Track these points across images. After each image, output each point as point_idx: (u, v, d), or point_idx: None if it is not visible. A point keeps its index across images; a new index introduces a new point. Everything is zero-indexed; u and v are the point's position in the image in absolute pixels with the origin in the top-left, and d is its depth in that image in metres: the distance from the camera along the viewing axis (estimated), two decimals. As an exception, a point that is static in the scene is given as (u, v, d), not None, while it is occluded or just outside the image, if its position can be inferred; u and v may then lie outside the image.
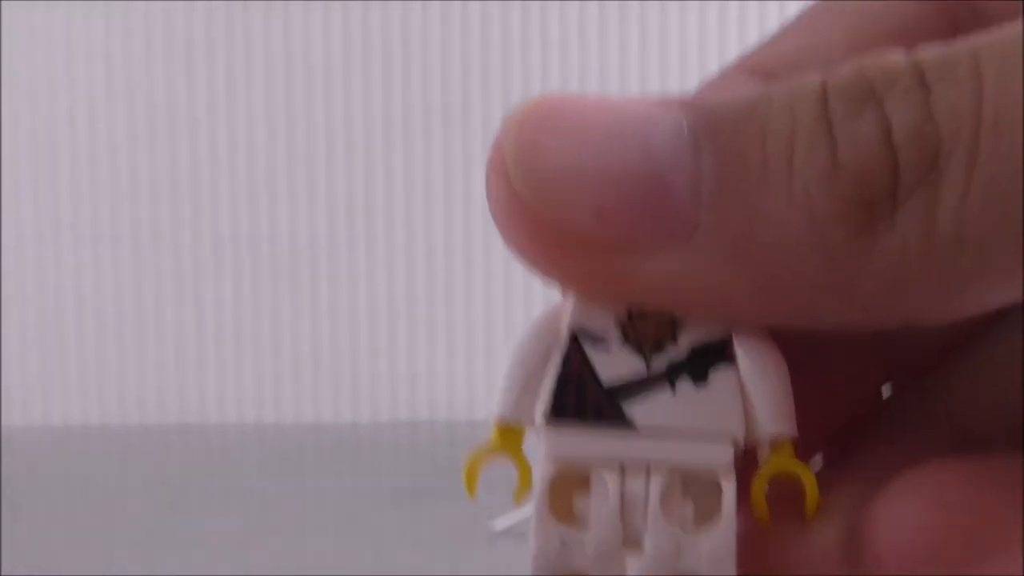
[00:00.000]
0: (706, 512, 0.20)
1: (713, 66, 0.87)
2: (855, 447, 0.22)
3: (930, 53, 0.18)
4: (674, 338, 0.20)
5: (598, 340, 0.20)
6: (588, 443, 0.20)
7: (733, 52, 0.86)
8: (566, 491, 0.20)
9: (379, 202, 0.91)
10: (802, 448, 0.20)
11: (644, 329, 0.20)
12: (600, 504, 0.20)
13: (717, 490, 0.20)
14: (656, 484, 0.20)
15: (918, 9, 0.23)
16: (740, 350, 0.20)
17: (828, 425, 0.22)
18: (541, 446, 0.20)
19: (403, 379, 0.92)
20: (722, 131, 0.18)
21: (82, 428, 0.91)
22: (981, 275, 0.17)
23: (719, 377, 0.19)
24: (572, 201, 0.18)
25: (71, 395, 0.92)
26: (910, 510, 0.19)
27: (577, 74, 0.89)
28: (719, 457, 0.20)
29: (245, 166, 0.91)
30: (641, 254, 0.18)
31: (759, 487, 0.20)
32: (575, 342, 0.20)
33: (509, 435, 0.20)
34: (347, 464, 0.81)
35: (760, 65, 0.22)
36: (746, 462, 0.20)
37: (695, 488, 0.20)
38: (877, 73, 0.17)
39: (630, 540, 0.20)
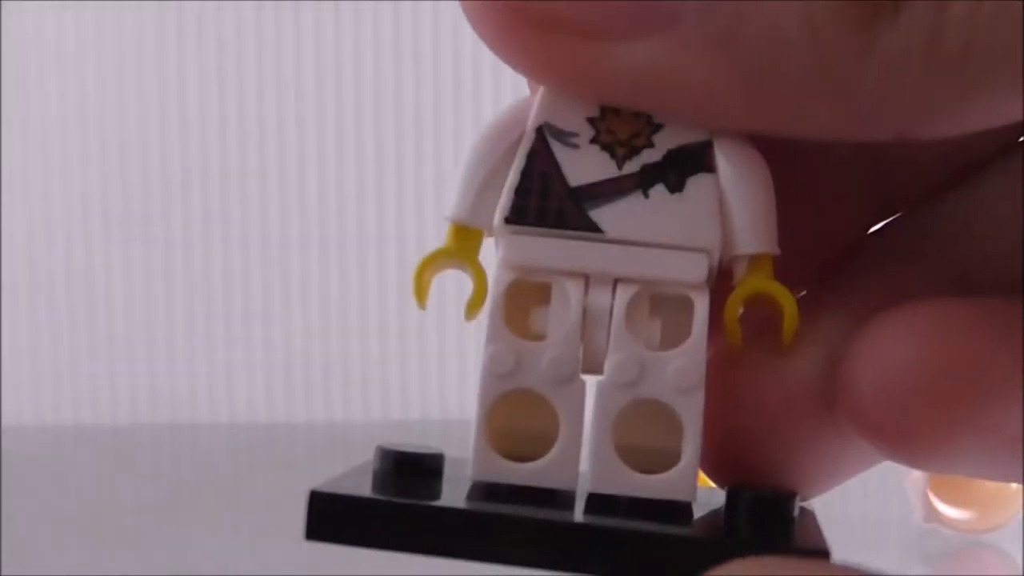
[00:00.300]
0: (675, 333, 0.18)
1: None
2: (841, 277, 0.20)
3: None
4: (650, 140, 0.18)
5: (566, 137, 0.18)
6: (550, 250, 0.18)
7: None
8: (524, 303, 0.18)
9: (372, 202, 0.91)
10: (783, 279, 0.18)
11: (618, 127, 0.18)
12: (560, 316, 0.18)
13: (688, 307, 0.18)
14: (622, 297, 0.18)
15: None
16: (721, 157, 0.18)
17: (812, 258, 0.20)
18: (499, 251, 0.18)
19: (396, 379, 0.92)
20: None
21: (77, 427, 0.90)
22: (987, 87, 0.16)
23: (697, 185, 0.18)
24: None
25: (67, 394, 0.92)
26: (897, 345, 0.17)
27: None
28: (692, 271, 0.18)
29: (243, 166, 0.91)
30: (617, 42, 0.16)
31: (733, 307, 0.18)
32: (541, 138, 0.18)
33: (465, 240, 0.19)
34: (340, 464, 0.81)
35: None
36: (722, 281, 0.18)
37: (664, 306, 0.18)
38: None
39: (590, 362, 0.18)
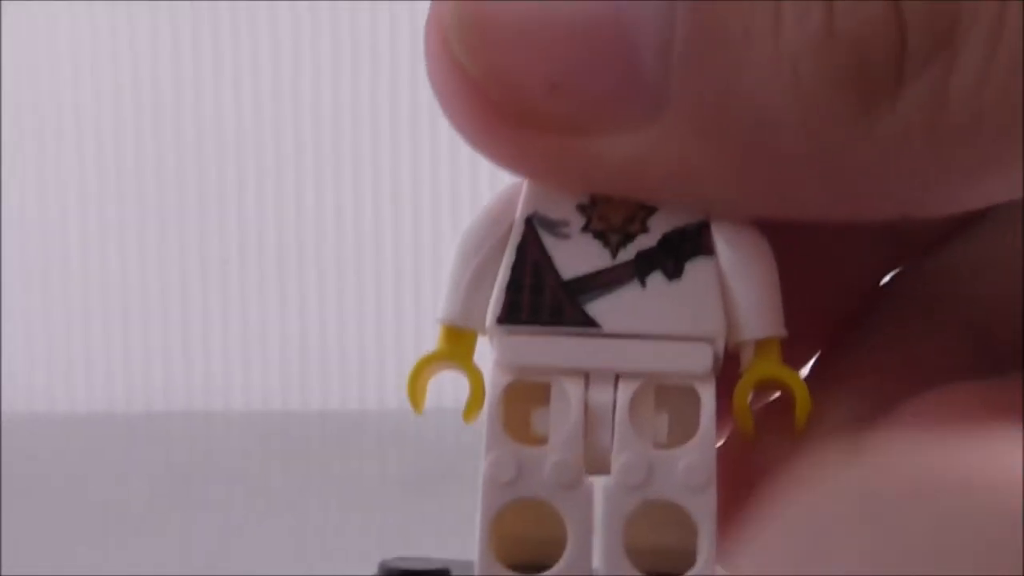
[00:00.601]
0: (683, 426, 0.17)
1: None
2: (852, 344, 0.19)
3: None
4: (644, 224, 0.17)
5: (557, 227, 0.17)
6: (546, 348, 0.17)
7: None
8: (523, 405, 0.18)
9: (387, 192, 0.91)
10: (792, 348, 0.17)
11: (609, 214, 0.17)
12: (560, 418, 0.17)
13: (695, 400, 0.17)
14: (625, 394, 0.17)
15: None
16: (719, 238, 0.17)
17: (822, 321, 0.20)
18: (493, 352, 0.17)
19: (409, 366, 0.91)
20: None
21: (84, 415, 0.90)
22: (995, 163, 0.15)
23: (695, 270, 0.17)
24: (522, 71, 0.15)
25: (73, 382, 0.92)
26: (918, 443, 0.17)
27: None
28: (696, 363, 0.17)
29: (256, 154, 0.91)
30: (602, 134, 0.15)
31: (742, 395, 0.17)
32: (531, 230, 0.17)
33: (458, 341, 0.18)
34: (353, 452, 0.81)
35: None
36: (729, 367, 0.18)
37: (669, 399, 0.17)
38: None
39: (595, 462, 0.17)
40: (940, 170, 0.15)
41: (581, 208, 0.17)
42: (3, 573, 0.56)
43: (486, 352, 0.18)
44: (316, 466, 0.78)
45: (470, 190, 0.89)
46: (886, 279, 0.20)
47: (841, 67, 0.15)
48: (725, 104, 0.15)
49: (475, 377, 0.18)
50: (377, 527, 0.63)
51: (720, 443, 0.18)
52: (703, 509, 0.17)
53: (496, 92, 0.15)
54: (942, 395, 0.17)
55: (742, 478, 0.18)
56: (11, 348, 0.91)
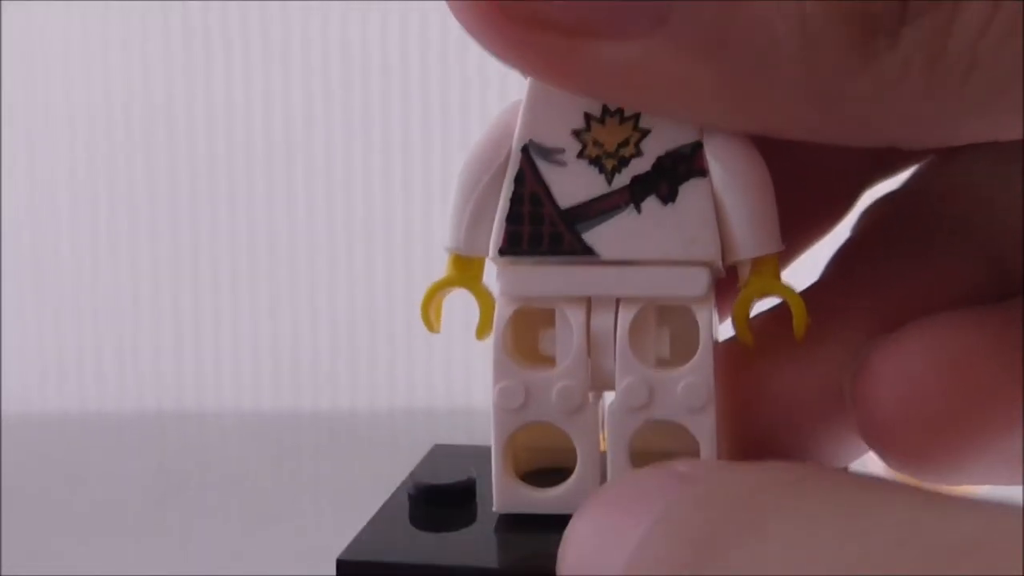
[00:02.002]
0: (685, 340, 0.18)
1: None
2: (859, 262, 0.20)
3: None
4: (638, 148, 0.17)
5: (553, 155, 0.17)
6: (547, 277, 0.18)
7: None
8: (530, 327, 0.18)
9: (380, 192, 0.91)
10: (790, 240, 0.18)
11: (604, 137, 0.17)
12: (564, 343, 0.18)
13: (695, 317, 0.18)
14: (625, 318, 0.18)
15: None
16: (712, 158, 0.17)
17: (811, 223, 0.20)
18: (498, 282, 0.18)
19: (401, 367, 0.91)
20: None
21: (77, 415, 0.90)
22: (986, 109, 0.15)
23: (689, 192, 0.17)
24: None
25: (65, 382, 0.92)
26: (913, 367, 0.17)
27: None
28: (692, 285, 0.17)
29: (250, 154, 0.91)
30: (605, 41, 0.16)
31: (741, 311, 0.18)
32: (527, 159, 0.17)
33: (466, 266, 0.19)
34: (345, 452, 0.81)
35: None
36: (729, 279, 0.18)
37: (671, 315, 0.18)
38: None
39: (600, 383, 0.18)
40: (933, 111, 0.15)
41: (576, 134, 0.17)
42: (2, 574, 0.57)
43: (494, 274, 0.18)
44: (308, 465, 0.78)
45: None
46: (891, 193, 0.21)
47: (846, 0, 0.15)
48: (726, 24, 0.15)
49: (484, 299, 0.19)
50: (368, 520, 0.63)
51: (725, 352, 0.19)
52: (703, 427, 0.18)
53: None
54: (943, 321, 0.18)
55: (743, 387, 0.19)
56: (5, 349, 0.91)
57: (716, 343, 0.18)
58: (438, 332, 0.19)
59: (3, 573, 0.57)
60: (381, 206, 0.91)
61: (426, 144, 0.91)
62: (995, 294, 0.19)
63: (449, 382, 0.90)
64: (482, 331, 0.19)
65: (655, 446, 0.18)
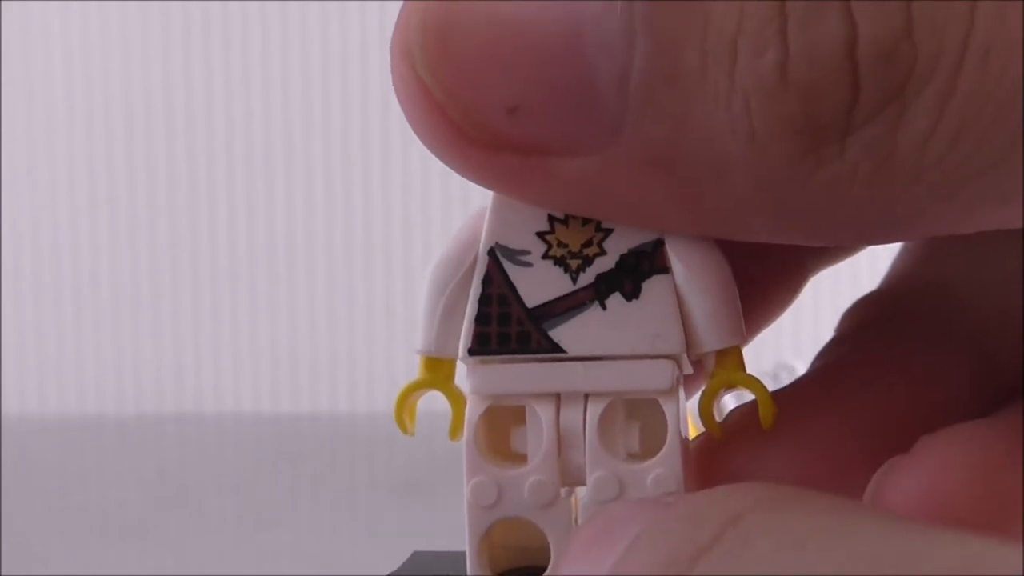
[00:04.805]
0: (654, 432, 0.18)
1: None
2: (844, 357, 0.20)
3: None
4: (601, 247, 0.18)
5: (518, 256, 0.18)
6: (516, 375, 0.18)
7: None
8: (502, 425, 0.19)
9: (377, 194, 0.91)
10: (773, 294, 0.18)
11: (568, 238, 0.18)
12: (535, 440, 0.18)
13: (662, 411, 0.18)
14: (593, 413, 0.18)
15: None
16: (674, 255, 0.18)
17: (761, 310, 0.21)
18: (468, 381, 0.18)
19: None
20: (661, 16, 0.15)
21: (80, 418, 0.90)
22: (937, 214, 0.16)
23: (653, 288, 0.18)
24: (483, 95, 0.16)
25: (64, 385, 0.92)
26: (942, 477, 0.18)
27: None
28: (658, 379, 0.18)
29: (248, 156, 0.91)
30: (560, 156, 0.16)
31: (707, 404, 0.18)
32: (494, 261, 0.18)
33: (437, 368, 0.19)
34: (344, 455, 0.81)
35: None
36: (697, 372, 0.19)
37: (640, 408, 0.18)
38: None
39: (571, 477, 0.18)
40: (882, 214, 0.16)
41: (540, 235, 0.18)
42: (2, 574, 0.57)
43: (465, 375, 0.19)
44: (307, 469, 0.78)
45: (461, 192, 0.90)
46: (872, 293, 0.21)
47: (791, 113, 0.15)
48: (677, 139, 0.15)
49: (455, 399, 0.19)
50: (368, 530, 0.64)
51: (695, 444, 0.19)
52: None
53: (458, 114, 0.16)
54: (960, 435, 0.18)
55: (715, 475, 0.19)
56: (4, 351, 0.91)
57: (685, 436, 0.19)
58: (412, 435, 0.20)
59: (3, 574, 0.57)
60: (381, 209, 0.91)
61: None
62: (986, 389, 0.19)
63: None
64: (455, 431, 0.19)
65: None
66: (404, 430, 0.19)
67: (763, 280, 0.21)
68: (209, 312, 0.92)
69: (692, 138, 0.15)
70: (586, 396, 0.18)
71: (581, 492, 0.18)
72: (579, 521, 0.18)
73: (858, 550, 0.14)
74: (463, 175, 0.17)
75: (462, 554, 0.19)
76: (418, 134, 0.16)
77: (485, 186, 0.17)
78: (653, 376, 0.18)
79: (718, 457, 0.19)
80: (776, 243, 0.17)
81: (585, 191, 0.16)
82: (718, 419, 0.19)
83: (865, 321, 0.21)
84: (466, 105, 0.16)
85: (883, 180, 0.15)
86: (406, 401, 0.19)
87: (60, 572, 0.58)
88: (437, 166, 0.83)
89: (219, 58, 0.90)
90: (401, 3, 0.16)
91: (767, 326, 0.21)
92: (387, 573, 0.20)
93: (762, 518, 0.15)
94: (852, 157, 0.15)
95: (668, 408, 0.18)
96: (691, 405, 0.20)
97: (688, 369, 0.18)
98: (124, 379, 0.92)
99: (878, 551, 0.14)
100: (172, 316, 0.92)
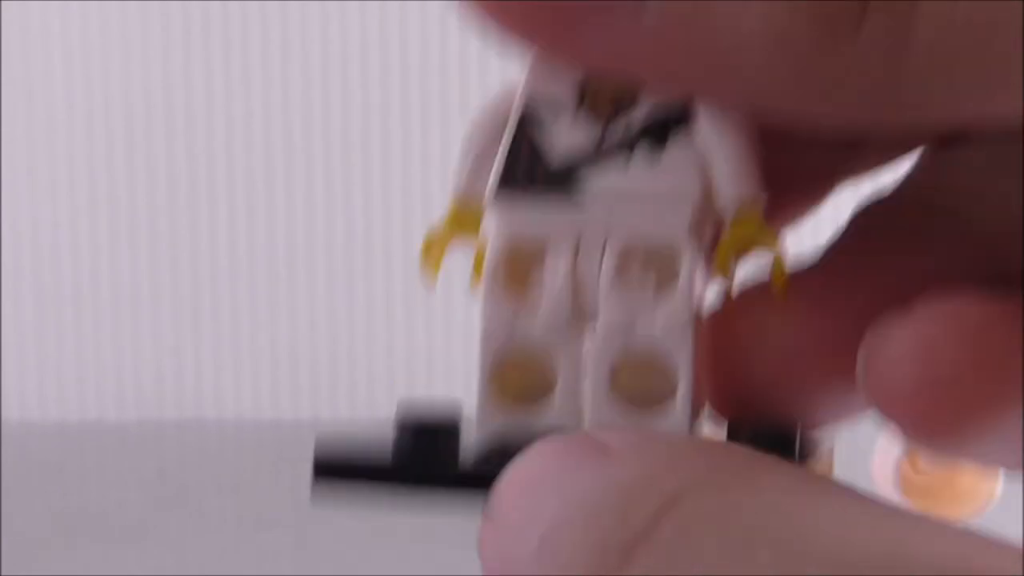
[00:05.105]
0: (669, 284, 0.19)
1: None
2: (856, 248, 0.21)
3: None
4: (633, 103, 0.19)
5: (553, 105, 0.19)
6: (540, 216, 0.19)
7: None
8: (522, 269, 0.19)
9: (377, 195, 0.91)
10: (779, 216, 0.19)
11: (602, 93, 0.19)
12: (552, 279, 0.19)
13: (679, 260, 0.19)
14: (611, 256, 0.19)
15: None
16: (703, 115, 0.19)
17: (786, 211, 0.21)
18: (492, 221, 0.19)
19: (401, 375, 0.92)
20: None
21: (80, 424, 0.90)
22: (949, 105, 0.16)
23: (678, 142, 0.19)
24: None
25: (69, 391, 0.92)
26: (930, 340, 0.18)
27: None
28: (676, 222, 0.19)
29: (248, 160, 0.91)
30: (588, 23, 0.17)
31: (723, 257, 0.19)
32: (529, 109, 0.19)
33: (466, 217, 0.20)
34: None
35: None
36: (718, 236, 0.19)
37: (657, 259, 0.19)
38: None
39: (584, 314, 0.19)
40: (900, 92, 0.16)
41: (575, 86, 0.19)
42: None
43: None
44: (307, 474, 0.78)
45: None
46: (880, 192, 0.21)
47: None
48: (699, 20, 0.16)
49: (479, 246, 0.20)
50: (369, 533, 0.63)
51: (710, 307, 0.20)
52: (681, 348, 0.19)
53: None
54: (959, 295, 0.18)
55: (730, 336, 0.20)
56: (4, 357, 0.91)
57: (700, 294, 0.19)
58: (435, 284, 0.20)
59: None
60: (381, 215, 0.91)
61: (427, 145, 0.91)
62: (994, 285, 0.20)
63: (449, 393, 0.90)
64: (477, 276, 0.20)
65: (634, 387, 0.19)
66: (431, 277, 0.20)
67: (790, 178, 0.21)
68: (209, 317, 0.92)
69: (713, 18, 0.16)
70: (604, 243, 0.19)
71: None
72: (589, 360, 0.19)
73: (812, 551, 0.14)
74: (497, 34, 0.17)
75: (454, 400, 0.20)
76: (479, 10, 0.17)
77: (520, 46, 0.18)
78: (670, 218, 0.19)
79: (728, 320, 0.20)
80: (800, 129, 0.18)
81: (618, 59, 0.17)
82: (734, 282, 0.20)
83: (873, 217, 0.21)
84: None
85: (901, 58, 0.16)
86: (432, 246, 0.20)
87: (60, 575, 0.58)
88: (438, 166, 0.84)
89: (219, 58, 0.90)
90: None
91: (788, 224, 0.22)
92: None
93: (704, 504, 0.15)
94: (866, 42, 0.16)
95: (684, 248, 0.19)
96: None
97: (707, 224, 0.19)
98: (124, 384, 0.92)
99: (839, 550, 0.13)
100: (172, 321, 0.92)
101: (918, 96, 0.16)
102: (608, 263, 0.19)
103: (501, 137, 0.19)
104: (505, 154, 0.19)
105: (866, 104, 0.17)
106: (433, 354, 0.91)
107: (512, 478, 0.17)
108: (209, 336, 0.92)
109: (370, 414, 0.91)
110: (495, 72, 0.88)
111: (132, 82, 0.90)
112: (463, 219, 0.20)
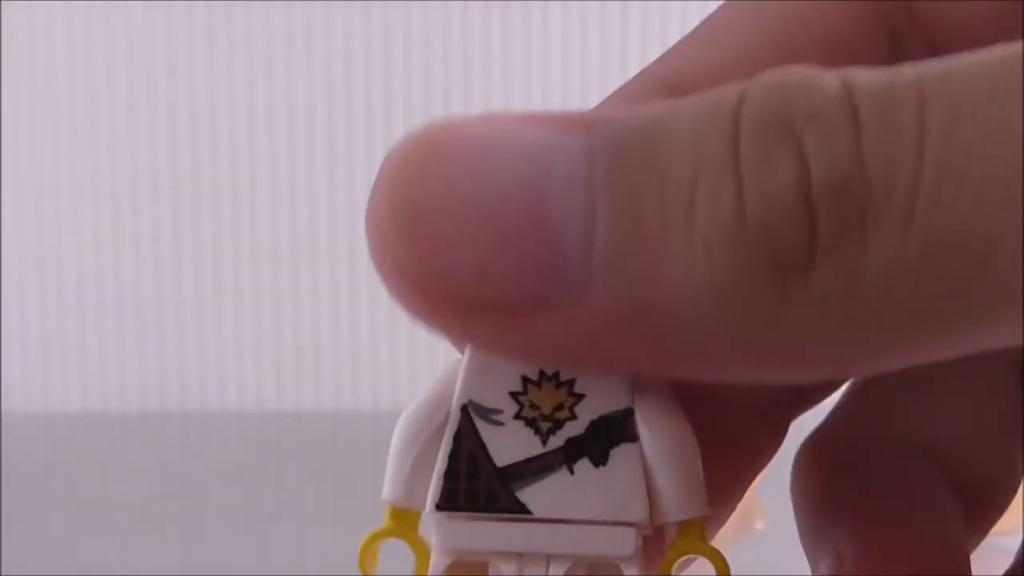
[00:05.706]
0: None
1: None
2: (812, 508, 0.21)
3: (866, 79, 0.15)
4: (572, 411, 0.18)
5: (491, 415, 0.18)
6: (482, 532, 0.18)
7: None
8: None
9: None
10: (718, 490, 0.19)
11: (540, 400, 0.18)
12: None
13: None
14: (555, 574, 0.18)
15: (849, 10, 0.20)
16: (643, 425, 0.18)
17: (743, 464, 0.21)
18: (433, 535, 0.19)
19: (404, 366, 0.92)
20: (619, 180, 0.15)
21: (82, 414, 0.90)
22: (911, 341, 0.16)
23: (620, 456, 0.18)
24: (453, 261, 0.16)
25: (71, 381, 0.92)
26: None
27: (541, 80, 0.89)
28: (621, 546, 0.18)
29: (252, 153, 0.91)
30: (529, 316, 0.16)
31: (666, 572, 0.19)
32: (466, 418, 0.18)
33: (403, 517, 0.19)
34: (348, 451, 0.81)
35: (673, 74, 0.20)
36: (657, 538, 0.19)
37: (601, 569, 0.19)
38: (799, 99, 0.15)
39: None
40: (855, 344, 0.16)
41: (513, 395, 0.18)
42: (3, 573, 0.57)
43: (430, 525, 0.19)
44: (311, 465, 0.78)
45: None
46: (815, 434, 0.22)
47: (752, 256, 0.15)
48: (644, 295, 0.16)
49: (419, 550, 0.19)
50: (372, 523, 0.63)
51: None
52: None
53: (431, 283, 0.16)
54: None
55: None
56: (6, 347, 0.91)
57: None
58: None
59: (4, 572, 0.57)
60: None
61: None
62: (962, 505, 0.21)
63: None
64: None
65: None
66: (364, 571, 0.20)
67: (743, 431, 0.21)
68: (213, 307, 0.92)
69: (659, 293, 0.16)
70: (548, 557, 0.18)
71: None
72: None
73: None
74: (443, 334, 0.17)
75: None
76: (398, 301, 0.17)
77: (463, 344, 0.18)
78: (616, 542, 0.18)
79: None
80: (752, 387, 0.17)
81: (557, 347, 0.17)
82: None
83: (820, 471, 0.22)
84: (438, 275, 0.16)
85: (852, 309, 0.15)
86: (370, 548, 0.20)
87: (62, 568, 0.58)
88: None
89: (222, 58, 0.90)
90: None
91: (756, 477, 0.22)
92: None
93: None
94: (818, 290, 0.15)
95: (628, 572, 0.18)
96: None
97: (649, 532, 0.19)
98: (127, 375, 0.92)
99: None
100: (175, 312, 0.92)
101: (881, 338, 0.16)
102: None
103: (437, 440, 0.18)
104: (444, 469, 0.18)
105: (828, 356, 0.16)
106: (434, 344, 0.91)
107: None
108: (212, 326, 0.92)
109: (373, 406, 0.91)
110: (495, 72, 0.88)
111: (135, 79, 0.90)
112: (400, 525, 0.19)
